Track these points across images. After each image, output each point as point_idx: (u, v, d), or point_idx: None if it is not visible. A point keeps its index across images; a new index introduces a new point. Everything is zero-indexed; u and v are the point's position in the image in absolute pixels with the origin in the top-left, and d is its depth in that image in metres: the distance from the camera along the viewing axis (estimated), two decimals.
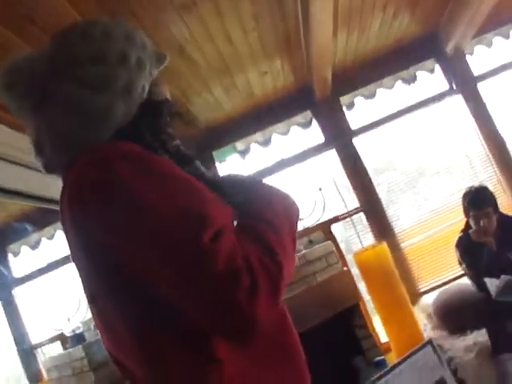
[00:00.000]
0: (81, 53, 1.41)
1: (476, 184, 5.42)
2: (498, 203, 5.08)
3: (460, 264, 5.12)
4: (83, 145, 1.36)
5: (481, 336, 4.73)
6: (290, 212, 1.48)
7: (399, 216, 6.65)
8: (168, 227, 1.17)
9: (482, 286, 4.74)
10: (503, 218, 4.96)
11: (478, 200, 4.87)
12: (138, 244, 1.20)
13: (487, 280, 4.58)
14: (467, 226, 5.07)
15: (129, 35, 1.48)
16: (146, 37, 1.57)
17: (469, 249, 4.95)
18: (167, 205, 1.19)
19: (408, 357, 4.29)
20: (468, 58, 6.72)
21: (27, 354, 6.31)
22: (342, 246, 6.78)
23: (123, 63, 1.42)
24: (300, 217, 1.57)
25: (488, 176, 6.56)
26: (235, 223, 1.36)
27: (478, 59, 6.77)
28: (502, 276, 4.43)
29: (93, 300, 1.42)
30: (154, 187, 1.21)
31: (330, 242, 5.45)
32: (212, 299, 1.12)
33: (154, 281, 1.21)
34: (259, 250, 1.21)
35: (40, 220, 6.32)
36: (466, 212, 5.00)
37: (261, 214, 1.37)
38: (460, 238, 5.11)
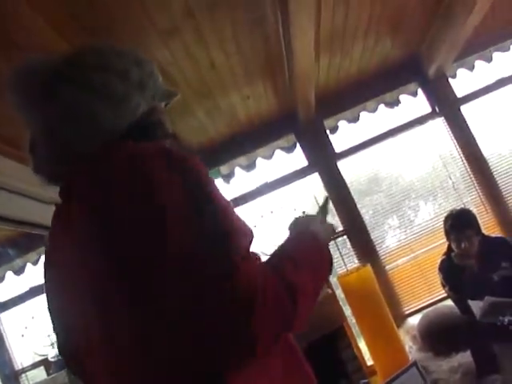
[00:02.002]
0: (87, 61, 1.48)
1: (458, 207, 5.46)
2: (481, 225, 5.11)
3: (443, 286, 5.14)
4: (74, 145, 1.40)
5: (465, 357, 4.75)
6: (320, 265, 1.56)
7: (384, 238, 6.67)
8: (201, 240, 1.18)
9: (465, 308, 4.75)
10: (486, 239, 4.98)
11: (458, 223, 4.89)
12: (168, 249, 1.18)
13: (471, 302, 4.59)
14: (449, 248, 5.09)
15: (139, 61, 1.55)
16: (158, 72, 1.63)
17: (451, 271, 4.97)
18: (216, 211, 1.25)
19: (393, 379, 4.30)
20: (450, 81, 6.77)
21: (10, 379, 6.26)
22: None
23: (124, 77, 1.47)
24: (328, 274, 1.66)
25: (471, 198, 6.60)
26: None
27: (461, 82, 6.83)
28: (486, 297, 4.44)
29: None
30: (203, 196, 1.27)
31: None
32: (225, 316, 1.13)
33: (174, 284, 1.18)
34: (278, 281, 1.24)
35: (24, 245, 6.29)
36: (448, 235, 5.03)
37: (293, 254, 1.45)
38: (442, 261, 5.13)
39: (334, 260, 5.04)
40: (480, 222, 5.14)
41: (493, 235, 5.48)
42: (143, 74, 1.53)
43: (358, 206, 6.62)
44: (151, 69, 1.58)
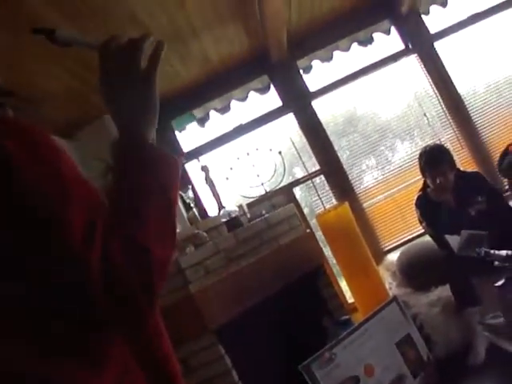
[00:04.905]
0: None
1: (431, 143, 5.48)
2: (456, 160, 5.14)
3: (420, 222, 5.19)
4: None
5: (445, 291, 4.82)
6: (164, 186, 1.28)
7: (361, 178, 6.70)
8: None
9: (442, 243, 4.80)
10: (461, 174, 5.02)
11: (433, 159, 4.91)
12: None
13: (448, 237, 4.64)
14: (425, 185, 5.12)
15: None
16: None
17: (428, 207, 5.02)
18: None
19: (374, 315, 4.36)
20: (423, 17, 6.71)
21: None
22: (306, 211, 6.82)
23: None
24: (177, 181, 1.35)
25: (447, 134, 6.61)
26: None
27: (434, 19, 6.78)
28: (463, 231, 4.48)
29: None
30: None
31: (291, 204, 5.45)
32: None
33: None
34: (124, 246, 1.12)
35: None
36: (423, 171, 5.05)
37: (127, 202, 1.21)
38: (419, 197, 5.16)
39: (314, 202, 5.05)
40: (455, 157, 5.17)
41: (468, 170, 5.52)
42: None
43: (335, 147, 6.63)
44: None
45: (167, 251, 1.23)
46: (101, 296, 1.06)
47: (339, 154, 6.64)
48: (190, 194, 5.58)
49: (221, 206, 5.48)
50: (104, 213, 1.16)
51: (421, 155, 5.07)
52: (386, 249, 6.42)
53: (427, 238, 5.37)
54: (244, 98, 6.61)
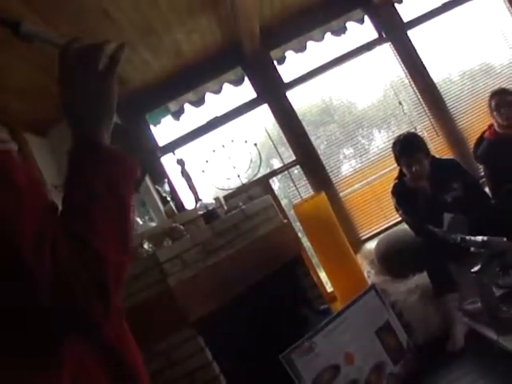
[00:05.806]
0: None
1: (405, 131, 5.50)
2: (432, 147, 5.15)
3: (397, 210, 5.19)
4: None
5: (422, 279, 4.82)
6: (117, 190, 1.24)
7: (339, 168, 6.71)
8: None
9: (419, 231, 4.82)
10: (436, 161, 5.05)
11: (407, 147, 4.94)
12: None
13: (432, 228, 4.66)
14: (401, 173, 5.13)
15: None
16: None
17: (404, 195, 5.03)
18: None
19: (353, 303, 4.36)
20: (396, 6, 6.72)
21: None
22: (284, 202, 6.81)
23: None
24: (133, 184, 1.32)
25: (423, 122, 6.64)
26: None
27: (407, 7, 6.79)
28: (445, 214, 4.49)
29: None
30: None
31: (268, 195, 5.43)
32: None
33: None
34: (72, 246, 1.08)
35: None
36: (398, 160, 5.07)
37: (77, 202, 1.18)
38: (395, 185, 5.17)
39: (292, 193, 5.03)
40: (430, 144, 5.20)
41: (444, 157, 5.54)
42: None
43: (312, 137, 6.66)
44: None
45: (121, 255, 1.20)
46: (52, 306, 1.05)
47: (316, 144, 6.66)
48: (167, 187, 5.55)
49: (197, 199, 5.47)
50: (57, 218, 1.15)
51: (395, 144, 5.10)
52: (364, 237, 6.44)
53: (404, 225, 5.37)
54: (218, 91, 6.60)
